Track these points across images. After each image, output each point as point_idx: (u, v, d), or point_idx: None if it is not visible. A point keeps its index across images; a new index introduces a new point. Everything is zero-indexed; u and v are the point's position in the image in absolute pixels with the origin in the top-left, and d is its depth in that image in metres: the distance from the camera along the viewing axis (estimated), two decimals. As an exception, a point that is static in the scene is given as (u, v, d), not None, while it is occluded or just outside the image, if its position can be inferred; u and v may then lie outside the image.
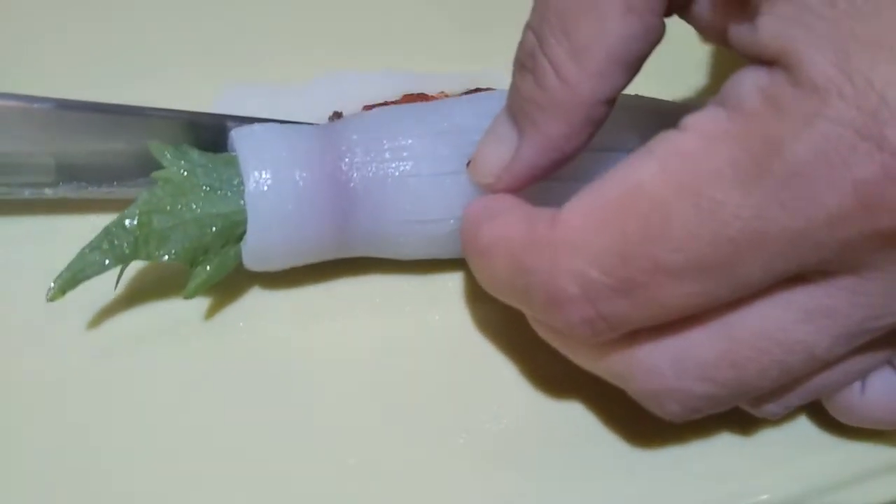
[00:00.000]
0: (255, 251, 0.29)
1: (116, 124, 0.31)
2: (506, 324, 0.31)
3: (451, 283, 0.33)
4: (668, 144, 0.23)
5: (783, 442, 0.30)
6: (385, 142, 0.29)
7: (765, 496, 0.29)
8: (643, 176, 0.23)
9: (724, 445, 0.30)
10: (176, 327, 0.31)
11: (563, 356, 0.27)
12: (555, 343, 0.27)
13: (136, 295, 0.31)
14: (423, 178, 0.29)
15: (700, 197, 0.22)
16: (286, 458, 0.29)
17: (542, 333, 0.27)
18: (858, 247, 0.22)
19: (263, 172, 0.28)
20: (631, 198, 0.23)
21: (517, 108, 0.26)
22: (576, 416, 0.30)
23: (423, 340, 0.31)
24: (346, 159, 0.29)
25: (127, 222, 0.28)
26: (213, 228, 0.29)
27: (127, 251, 0.28)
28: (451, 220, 0.30)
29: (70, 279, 0.28)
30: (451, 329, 0.32)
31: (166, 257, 0.29)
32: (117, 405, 0.29)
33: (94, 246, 0.28)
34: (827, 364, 0.25)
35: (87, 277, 0.28)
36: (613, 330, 0.24)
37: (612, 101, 0.25)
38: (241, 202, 0.29)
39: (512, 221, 0.26)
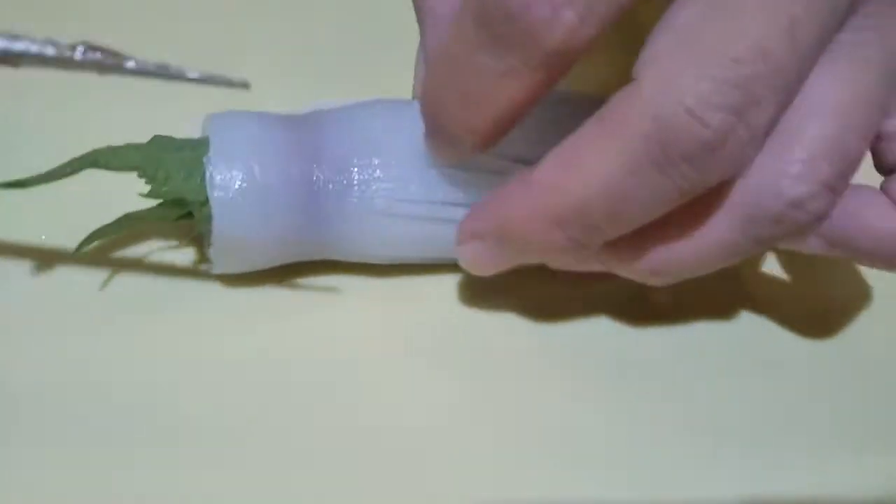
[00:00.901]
0: (222, 246, 0.29)
1: None
2: (477, 322, 0.32)
3: (425, 283, 0.33)
4: None
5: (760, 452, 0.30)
6: (358, 133, 0.30)
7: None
8: None
9: (705, 443, 0.30)
10: (135, 317, 0.30)
11: (544, 349, 0.28)
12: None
13: (98, 279, 0.31)
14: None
15: None
16: (242, 457, 0.28)
17: None
18: None
19: (233, 169, 0.28)
20: None
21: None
22: (549, 416, 0.30)
23: (391, 338, 0.31)
24: (320, 155, 0.30)
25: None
26: (177, 153, 0.29)
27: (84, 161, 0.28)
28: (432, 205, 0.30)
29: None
30: (421, 327, 0.32)
31: (123, 166, 0.29)
32: (72, 388, 0.29)
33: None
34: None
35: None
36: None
37: None
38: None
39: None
